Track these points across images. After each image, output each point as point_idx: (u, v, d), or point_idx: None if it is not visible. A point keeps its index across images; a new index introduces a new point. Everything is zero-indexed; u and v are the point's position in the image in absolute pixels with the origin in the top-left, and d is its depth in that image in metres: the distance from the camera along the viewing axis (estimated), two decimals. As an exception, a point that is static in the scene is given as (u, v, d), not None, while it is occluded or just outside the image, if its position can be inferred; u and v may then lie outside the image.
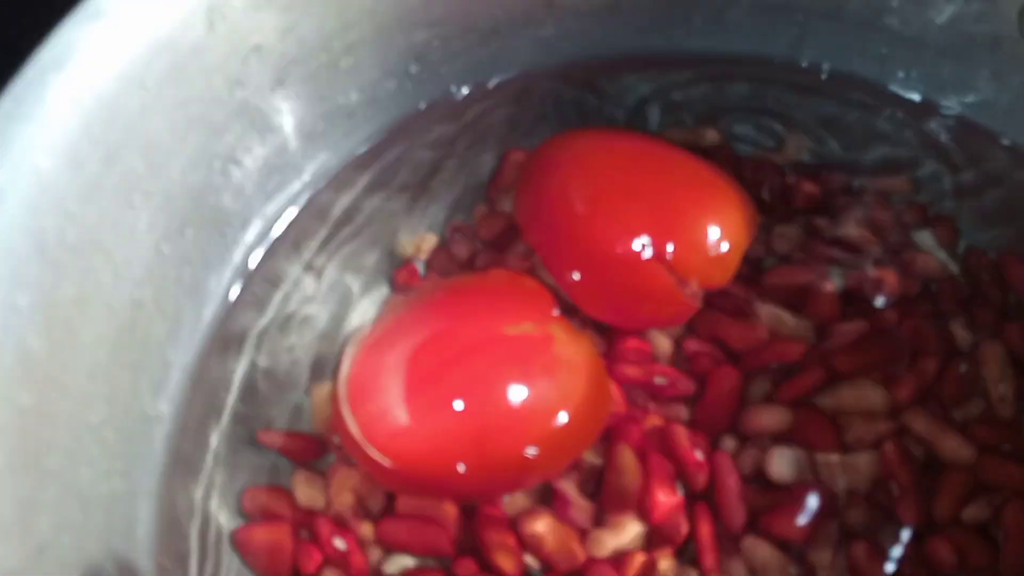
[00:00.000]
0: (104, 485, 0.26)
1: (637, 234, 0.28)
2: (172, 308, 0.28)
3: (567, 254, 0.30)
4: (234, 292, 0.31)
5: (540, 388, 0.27)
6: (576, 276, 0.30)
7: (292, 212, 0.32)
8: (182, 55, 0.26)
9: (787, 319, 0.32)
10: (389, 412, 0.28)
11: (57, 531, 0.24)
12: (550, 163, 0.31)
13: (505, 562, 0.29)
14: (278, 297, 0.32)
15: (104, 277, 0.25)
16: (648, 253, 0.28)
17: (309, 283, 0.33)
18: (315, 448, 0.31)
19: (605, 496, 0.29)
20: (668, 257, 0.28)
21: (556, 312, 0.29)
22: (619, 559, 0.29)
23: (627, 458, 0.29)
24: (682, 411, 0.31)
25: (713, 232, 0.28)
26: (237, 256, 0.31)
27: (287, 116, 0.30)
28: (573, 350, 0.28)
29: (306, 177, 0.32)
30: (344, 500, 0.31)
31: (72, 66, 0.23)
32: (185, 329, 0.29)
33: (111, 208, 0.25)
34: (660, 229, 0.28)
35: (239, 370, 0.31)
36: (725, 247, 0.27)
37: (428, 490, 0.29)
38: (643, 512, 0.29)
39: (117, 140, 0.25)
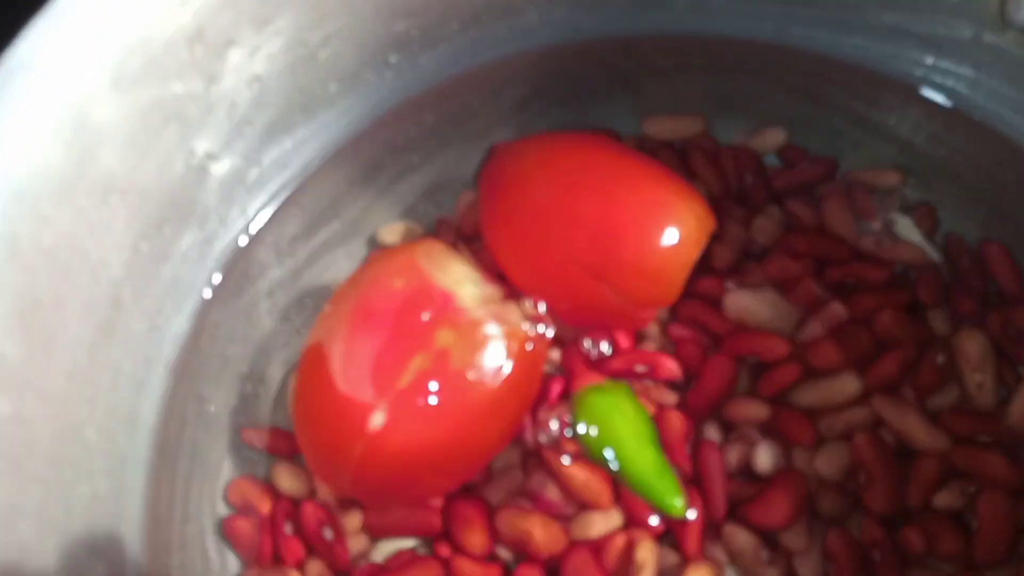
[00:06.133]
0: (87, 485, 0.26)
1: (581, 260, 0.29)
2: (151, 306, 0.28)
3: (522, 271, 0.31)
4: (213, 287, 0.31)
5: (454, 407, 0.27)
6: (533, 290, 0.30)
7: (273, 205, 0.32)
8: (156, 53, 0.26)
9: (767, 308, 0.32)
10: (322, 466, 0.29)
11: (40, 535, 0.24)
12: (498, 180, 0.32)
13: (476, 542, 0.29)
14: (257, 291, 0.32)
15: (81, 279, 0.25)
16: (591, 277, 0.29)
17: (289, 277, 0.33)
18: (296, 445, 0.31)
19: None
20: (610, 282, 0.29)
21: (454, 303, 0.29)
22: (600, 543, 0.29)
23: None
24: (670, 396, 0.31)
25: (653, 255, 0.28)
26: (216, 251, 0.31)
27: (265, 109, 0.30)
28: (472, 356, 0.28)
29: (287, 170, 0.32)
30: (327, 491, 0.31)
31: (40, 68, 0.23)
32: (165, 326, 0.29)
33: (86, 209, 0.25)
34: (601, 256, 0.28)
35: (220, 366, 0.31)
36: (667, 267, 0.28)
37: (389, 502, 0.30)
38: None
39: (90, 141, 0.25)
